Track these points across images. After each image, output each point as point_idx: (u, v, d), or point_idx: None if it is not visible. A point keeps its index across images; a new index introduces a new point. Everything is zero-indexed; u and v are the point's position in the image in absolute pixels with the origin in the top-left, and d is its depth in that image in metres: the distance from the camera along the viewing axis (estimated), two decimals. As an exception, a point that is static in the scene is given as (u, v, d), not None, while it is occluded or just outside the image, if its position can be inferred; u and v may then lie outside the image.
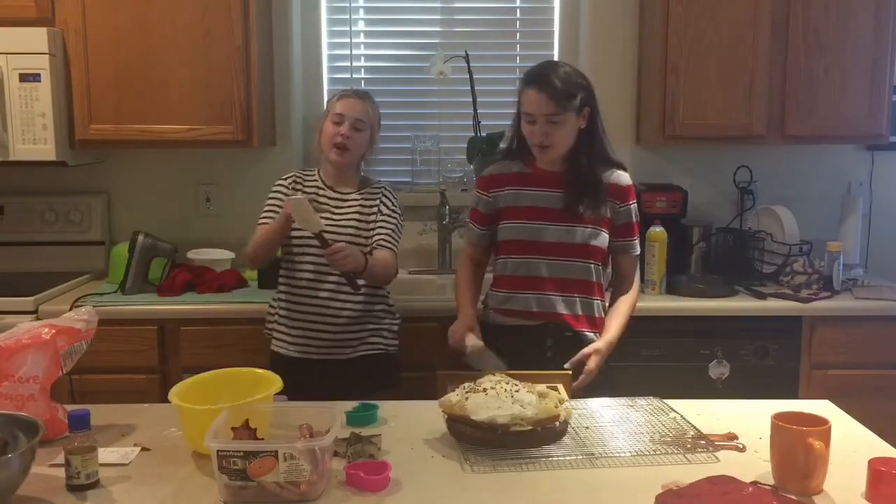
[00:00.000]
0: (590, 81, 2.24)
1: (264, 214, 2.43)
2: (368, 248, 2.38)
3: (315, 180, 2.48)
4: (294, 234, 2.37)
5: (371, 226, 2.42)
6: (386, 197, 2.47)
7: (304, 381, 2.11)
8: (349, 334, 2.39)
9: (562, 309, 2.25)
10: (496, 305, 2.32)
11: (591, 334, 2.26)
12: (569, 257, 2.24)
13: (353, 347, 2.40)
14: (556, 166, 2.26)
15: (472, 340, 2.17)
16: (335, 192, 2.46)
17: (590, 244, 2.24)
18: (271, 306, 2.51)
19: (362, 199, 2.45)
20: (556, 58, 3.44)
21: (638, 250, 2.36)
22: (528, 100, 2.19)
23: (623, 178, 2.29)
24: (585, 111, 2.21)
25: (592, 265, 2.26)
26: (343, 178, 2.47)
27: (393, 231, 2.44)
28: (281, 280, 2.46)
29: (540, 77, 2.19)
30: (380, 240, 2.40)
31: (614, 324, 2.25)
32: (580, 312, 2.26)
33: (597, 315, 2.28)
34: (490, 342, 2.21)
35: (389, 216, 2.45)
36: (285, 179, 2.50)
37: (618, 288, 2.35)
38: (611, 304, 2.32)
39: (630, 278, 2.34)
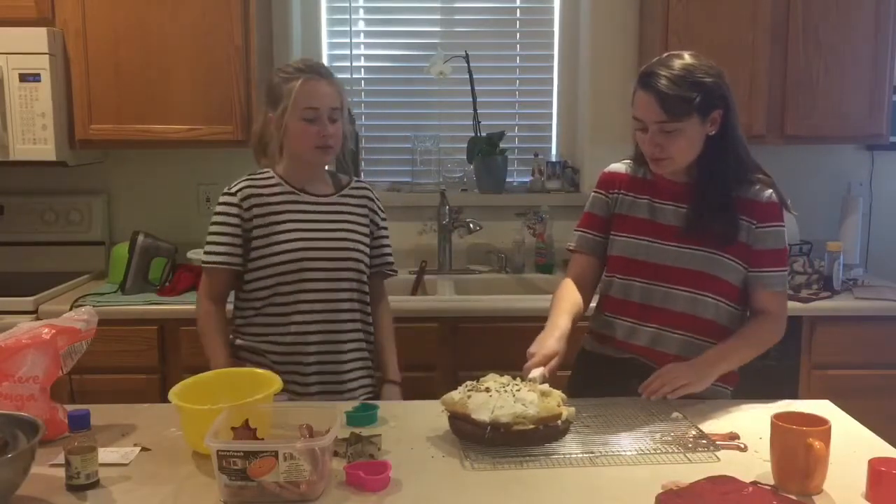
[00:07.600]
0: (721, 75, 1.84)
1: (214, 249, 2.06)
2: (373, 265, 2.15)
3: (277, 184, 2.07)
4: (278, 265, 2.01)
5: (367, 233, 2.14)
6: (373, 201, 2.18)
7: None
8: (351, 372, 2.11)
9: (660, 346, 1.90)
10: (596, 328, 2.03)
11: None
12: (680, 286, 1.88)
13: (354, 379, 2.12)
14: (681, 176, 1.91)
15: (536, 373, 1.73)
16: (309, 194, 2.08)
17: (709, 273, 1.87)
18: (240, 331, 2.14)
19: (345, 201, 2.12)
20: (555, 57, 3.45)
21: (782, 286, 1.92)
22: (636, 102, 1.84)
23: (764, 192, 1.88)
24: (716, 115, 1.83)
25: (711, 299, 1.88)
26: (315, 178, 2.11)
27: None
28: (259, 313, 2.07)
29: (648, 74, 1.81)
30: (389, 267, 2.20)
31: (714, 349, 1.86)
32: (689, 355, 1.86)
33: None
34: (581, 369, 2.04)
35: (386, 231, 2.21)
36: (234, 195, 2.04)
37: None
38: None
39: (768, 314, 1.91)
